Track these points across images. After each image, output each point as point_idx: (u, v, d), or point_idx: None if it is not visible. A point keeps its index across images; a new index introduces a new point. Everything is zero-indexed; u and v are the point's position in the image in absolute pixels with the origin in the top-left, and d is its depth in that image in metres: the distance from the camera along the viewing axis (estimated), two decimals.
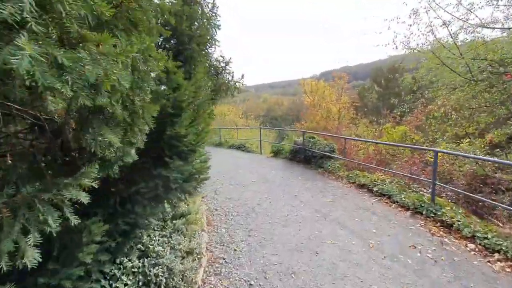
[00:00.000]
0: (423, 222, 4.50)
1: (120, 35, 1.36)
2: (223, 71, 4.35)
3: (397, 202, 5.18)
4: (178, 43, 3.18)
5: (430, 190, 5.01)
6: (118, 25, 1.39)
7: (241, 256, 3.76)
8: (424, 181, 5.81)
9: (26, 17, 0.89)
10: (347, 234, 4.18)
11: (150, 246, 3.17)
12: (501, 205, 4.40)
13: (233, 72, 4.48)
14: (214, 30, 4.40)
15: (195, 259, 3.47)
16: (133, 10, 1.42)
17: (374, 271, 3.30)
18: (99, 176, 1.50)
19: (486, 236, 3.77)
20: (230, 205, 5.64)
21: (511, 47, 7.38)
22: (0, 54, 0.83)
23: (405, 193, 5.37)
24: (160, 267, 2.92)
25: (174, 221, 4.08)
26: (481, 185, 6.17)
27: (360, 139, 7.79)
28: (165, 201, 3.54)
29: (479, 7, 7.76)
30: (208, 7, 3.91)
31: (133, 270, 2.77)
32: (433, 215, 4.54)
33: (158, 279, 2.80)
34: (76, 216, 1.35)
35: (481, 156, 6.27)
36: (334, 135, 9.25)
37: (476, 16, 7.97)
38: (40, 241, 1.20)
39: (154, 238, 3.38)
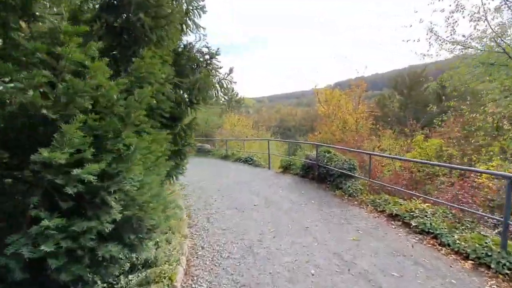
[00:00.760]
0: (494, 281, 3.07)
1: None
2: (207, 66, 3.21)
3: (448, 245, 3.75)
4: (116, 11, 2.06)
5: (497, 231, 3.58)
6: None
7: None
8: (486, 217, 4.34)
9: None
10: None
11: None
12: None
13: (221, 68, 3.34)
14: (196, 13, 3.29)
15: None
16: None
17: None
18: None
19: None
20: (222, 241, 4.39)
21: None
22: None
23: (457, 231, 3.94)
24: None
25: (131, 277, 2.87)
26: None
27: (390, 156, 6.40)
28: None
29: None
30: None
31: None
32: (508, 272, 3.11)
33: None
34: None
35: None
36: (355, 149, 7.85)
37: None
38: None
39: None
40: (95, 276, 2.23)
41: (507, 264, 3.17)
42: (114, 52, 2.35)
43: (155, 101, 2.38)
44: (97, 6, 2.10)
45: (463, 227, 4.05)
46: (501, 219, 3.43)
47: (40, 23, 1.61)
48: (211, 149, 15.76)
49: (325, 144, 8.29)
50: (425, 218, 4.36)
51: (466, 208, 4.51)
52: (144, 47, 2.20)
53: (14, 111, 1.51)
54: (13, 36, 1.53)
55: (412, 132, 12.40)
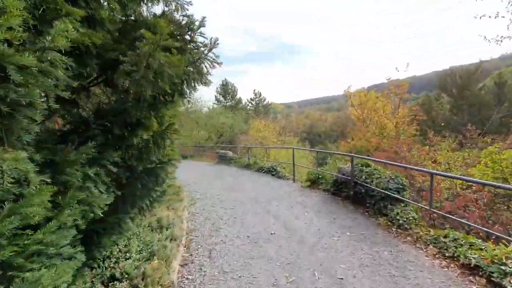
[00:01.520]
0: None
1: None
2: (184, 41, 2.07)
3: None
4: None
5: None
6: None
7: None
8: None
9: None
10: None
11: None
12: None
13: (209, 44, 2.18)
14: None
15: None
16: None
17: None
18: None
19: None
20: None
21: None
22: None
23: None
24: None
25: None
26: None
27: (471, 179, 4.69)
28: None
29: None
30: None
31: None
32: None
33: None
34: None
35: None
36: (409, 166, 6.22)
37: None
38: None
39: None
40: None
41: None
42: None
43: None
44: None
45: None
46: None
47: None
48: (233, 156, 14.75)
49: (363, 157, 6.70)
50: None
51: None
52: None
53: None
54: None
55: (469, 139, 10.25)
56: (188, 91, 2.34)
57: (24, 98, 1.21)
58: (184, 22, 2.14)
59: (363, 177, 5.73)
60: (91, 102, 2.39)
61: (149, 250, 3.60)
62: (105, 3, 1.82)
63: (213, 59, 2.23)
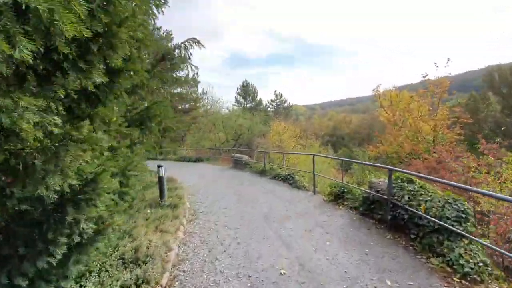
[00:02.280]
0: None
1: None
2: None
3: None
4: None
5: None
6: None
7: None
8: None
9: None
10: None
11: None
12: None
13: None
14: None
15: None
16: None
17: None
18: None
19: None
20: None
21: None
22: None
23: None
24: None
25: None
26: None
27: None
28: None
29: None
30: None
31: None
32: None
33: None
34: None
35: None
36: (474, 189, 4.78)
37: None
38: None
39: None
40: None
41: None
42: None
43: None
44: None
45: None
46: None
47: None
48: (248, 161, 13.67)
49: (406, 171, 5.26)
50: None
51: None
52: None
53: None
54: None
55: None
56: None
57: None
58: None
59: (406, 197, 4.36)
60: None
61: None
62: None
63: None
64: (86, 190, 1.99)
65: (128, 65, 2.34)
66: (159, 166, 6.35)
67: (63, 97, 1.70)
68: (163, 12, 4.17)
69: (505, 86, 17.88)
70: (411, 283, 3.15)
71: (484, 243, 3.28)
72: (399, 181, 4.81)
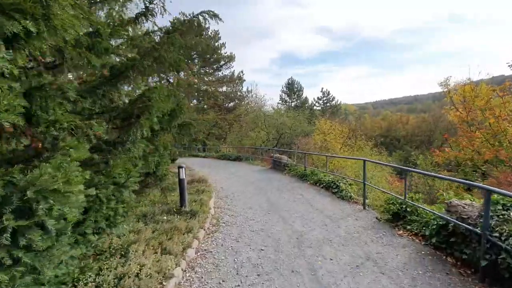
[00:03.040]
0: None
1: None
2: None
3: None
4: None
5: None
6: None
7: None
8: None
9: None
10: None
11: None
12: None
13: None
14: None
15: None
16: None
17: None
18: None
19: None
20: None
21: None
22: None
23: None
24: None
25: None
26: None
27: None
28: None
29: None
30: None
31: None
32: None
33: None
34: None
35: None
36: None
37: None
38: None
39: None
40: None
41: None
42: None
43: None
44: None
45: None
46: None
47: None
48: (288, 163, 12.46)
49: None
50: None
51: None
52: None
53: None
54: None
55: None
56: None
57: None
58: None
59: None
60: None
61: None
62: None
63: None
64: None
65: None
66: (179, 167, 5.60)
67: None
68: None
69: None
70: None
71: None
72: (500, 207, 3.21)
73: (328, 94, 45.28)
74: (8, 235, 1.61)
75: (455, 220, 3.56)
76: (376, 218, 5.47)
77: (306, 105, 41.22)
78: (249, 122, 24.27)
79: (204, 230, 4.98)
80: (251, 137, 21.97)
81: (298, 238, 4.56)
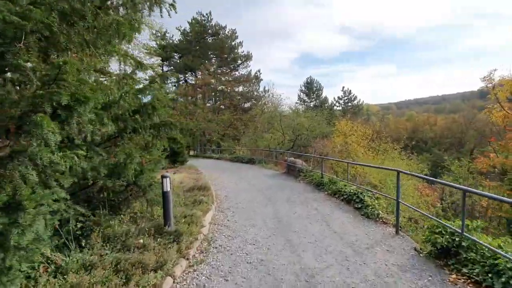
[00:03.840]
0: None
1: None
2: None
3: None
4: None
5: None
6: None
7: None
8: None
9: None
10: None
11: None
12: None
13: None
14: None
15: None
16: None
17: None
18: None
19: None
20: None
21: None
22: None
23: None
24: None
25: None
26: None
27: None
28: None
29: None
30: None
31: None
32: None
33: None
34: None
35: None
36: None
37: None
38: None
39: None
40: None
41: None
42: None
43: None
44: None
45: None
46: None
47: None
48: (303, 167, 11.16)
49: None
50: None
51: None
52: None
53: None
54: None
55: None
56: None
57: None
58: None
59: None
60: None
61: None
62: None
63: None
64: None
65: None
66: (163, 177, 4.55)
67: None
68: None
69: None
70: None
71: None
72: None
73: (350, 93, 43.01)
74: None
75: None
76: (415, 249, 4.12)
77: (326, 105, 39.34)
78: (264, 123, 23.08)
79: (187, 259, 3.88)
80: (266, 138, 20.74)
81: (307, 280, 3.34)
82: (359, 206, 6.25)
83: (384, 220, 5.50)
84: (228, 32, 41.12)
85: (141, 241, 4.12)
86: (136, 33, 3.04)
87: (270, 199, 7.68)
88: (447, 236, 3.71)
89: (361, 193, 6.64)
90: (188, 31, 39.60)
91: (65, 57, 2.42)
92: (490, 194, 3.79)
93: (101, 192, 4.44)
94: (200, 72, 33.88)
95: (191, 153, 31.90)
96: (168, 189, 4.58)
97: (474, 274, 3.20)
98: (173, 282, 3.30)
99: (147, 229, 4.45)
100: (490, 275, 3.06)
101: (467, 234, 3.46)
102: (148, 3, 3.28)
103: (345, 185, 7.70)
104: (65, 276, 2.82)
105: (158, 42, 38.12)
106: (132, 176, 4.35)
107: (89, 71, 2.83)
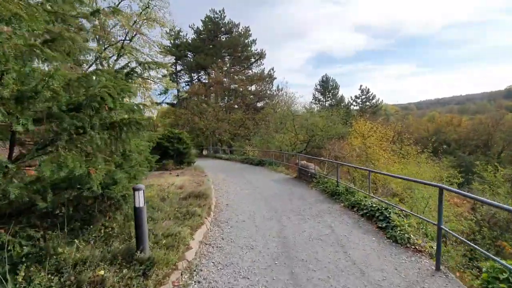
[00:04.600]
0: None
1: None
2: None
3: None
4: None
5: None
6: None
7: None
8: None
9: None
10: None
11: None
12: None
13: None
14: None
15: None
16: None
17: None
18: None
19: None
20: None
21: None
22: None
23: None
24: None
25: None
26: None
27: None
28: None
29: None
30: None
31: None
32: None
33: None
34: None
35: None
36: None
37: None
38: None
39: None
40: None
41: None
42: None
43: None
44: None
45: None
46: None
47: None
48: (316, 172, 10.01)
49: None
50: None
51: None
52: None
53: None
54: None
55: None
56: None
57: None
58: None
59: None
60: None
61: None
62: None
63: None
64: None
65: None
66: (134, 190, 3.61)
67: None
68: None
69: None
70: None
71: None
72: None
73: (368, 92, 40.95)
74: None
75: None
76: None
77: (342, 104, 37.61)
78: (276, 122, 21.96)
79: None
80: (277, 139, 19.62)
81: None
82: (384, 225, 5.09)
83: (417, 247, 4.32)
84: (241, 29, 40.26)
85: (102, 272, 3.20)
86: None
87: (277, 210, 6.63)
88: None
89: (385, 209, 5.47)
90: (201, 29, 39.08)
91: None
92: None
93: (58, 207, 3.56)
94: (213, 71, 33.17)
95: (204, 152, 31.27)
96: (141, 205, 3.64)
97: None
98: None
99: (114, 255, 3.54)
100: None
101: None
102: None
103: (365, 197, 6.53)
104: None
105: (171, 41, 37.88)
106: (98, 186, 3.44)
107: None
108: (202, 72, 40.27)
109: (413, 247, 4.34)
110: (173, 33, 33.25)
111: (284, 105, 26.24)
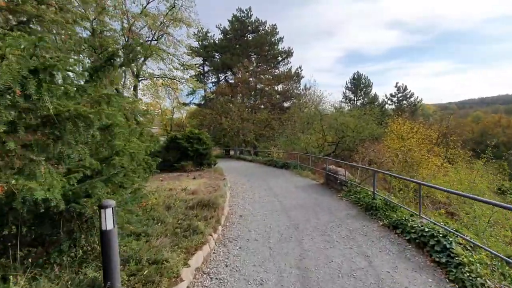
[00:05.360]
0: None
1: None
2: None
3: None
4: None
5: None
6: None
7: None
8: None
9: None
10: None
11: None
12: None
13: None
14: None
15: None
16: None
17: None
18: None
19: None
20: None
21: None
22: None
23: None
24: None
25: None
26: None
27: None
28: None
29: None
30: None
31: None
32: None
33: None
34: None
35: None
36: None
37: None
38: None
39: None
40: None
41: None
42: None
43: None
44: None
45: None
46: None
47: None
48: (346, 179, 8.65)
49: None
50: None
51: None
52: None
53: None
54: None
55: None
56: None
57: None
58: None
59: None
60: None
61: None
62: None
63: None
64: None
65: None
66: (100, 208, 2.72)
67: None
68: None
69: None
70: None
71: None
72: None
73: (405, 89, 37.71)
74: None
75: None
76: None
77: (376, 103, 34.97)
78: (303, 122, 20.58)
79: None
80: (302, 140, 18.24)
81: None
82: (443, 260, 3.73)
83: None
84: (268, 27, 39.25)
85: None
86: None
87: (298, 227, 5.48)
88: None
89: (444, 236, 4.09)
90: (228, 29, 38.71)
91: None
92: None
93: (6, 226, 2.77)
94: (240, 71, 32.55)
95: (231, 153, 30.76)
96: (110, 227, 2.73)
97: None
98: None
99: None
100: None
101: None
102: None
103: (412, 215, 5.14)
104: None
105: (199, 42, 37.96)
106: (57, 200, 2.58)
107: None
108: (229, 72, 39.87)
109: None
110: (200, 34, 33.20)
111: (312, 104, 24.75)
